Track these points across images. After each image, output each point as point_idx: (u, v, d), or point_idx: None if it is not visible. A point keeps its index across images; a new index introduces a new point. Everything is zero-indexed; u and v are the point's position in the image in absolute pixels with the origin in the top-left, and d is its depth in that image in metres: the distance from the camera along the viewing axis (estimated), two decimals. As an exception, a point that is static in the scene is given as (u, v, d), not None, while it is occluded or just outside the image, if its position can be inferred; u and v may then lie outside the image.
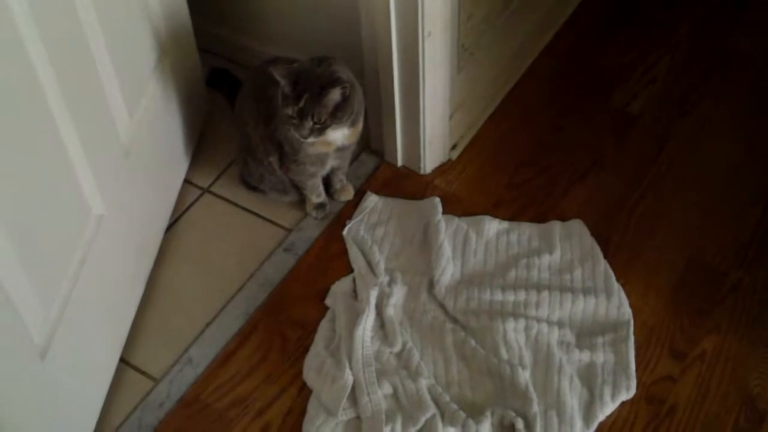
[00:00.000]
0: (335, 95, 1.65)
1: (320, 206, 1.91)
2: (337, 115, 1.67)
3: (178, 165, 1.98)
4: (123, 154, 1.66)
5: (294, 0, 2.00)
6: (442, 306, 1.73)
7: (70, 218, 1.50)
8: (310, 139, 1.68)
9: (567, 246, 1.83)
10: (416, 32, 1.75)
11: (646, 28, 2.33)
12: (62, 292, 1.46)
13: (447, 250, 1.80)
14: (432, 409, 1.56)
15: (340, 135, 1.73)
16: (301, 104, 1.64)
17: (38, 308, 1.39)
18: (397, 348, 1.66)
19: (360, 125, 1.78)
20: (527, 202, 1.94)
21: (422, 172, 2.00)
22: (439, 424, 1.54)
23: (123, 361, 1.69)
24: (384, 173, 2.01)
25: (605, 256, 1.81)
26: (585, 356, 1.64)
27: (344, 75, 1.68)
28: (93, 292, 1.54)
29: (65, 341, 1.45)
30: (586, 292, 1.74)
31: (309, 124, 1.65)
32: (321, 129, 1.67)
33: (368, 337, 1.67)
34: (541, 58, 2.25)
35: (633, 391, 1.61)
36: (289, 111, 1.66)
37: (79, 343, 1.51)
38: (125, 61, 1.66)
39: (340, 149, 1.79)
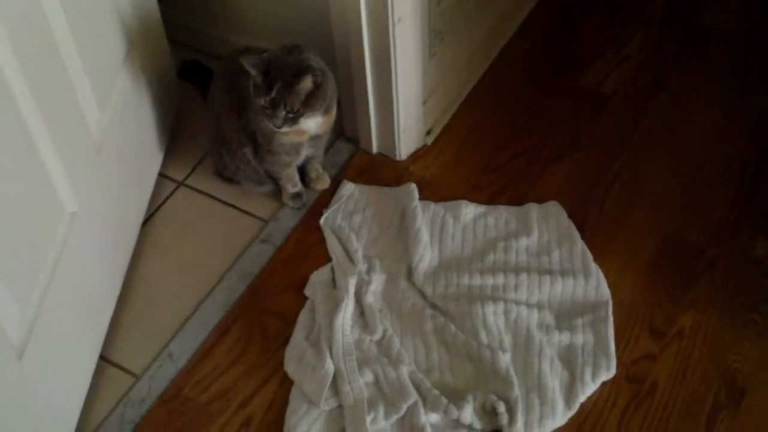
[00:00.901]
0: (307, 83, 1.64)
1: (296, 196, 1.91)
2: (309, 103, 1.66)
3: (152, 158, 1.97)
4: (95, 149, 1.65)
5: (264, -11, 1.99)
6: (421, 292, 1.73)
7: (43, 217, 1.48)
8: (284, 129, 1.67)
9: (544, 228, 1.83)
10: (386, 18, 1.74)
11: (618, 5, 2.33)
12: (38, 291, 1.45)
13: (424, 236, 1.80)
14: (414, 396, 1.56)
15: (313, 123, 1.72)
16: (273, 94, 1.63)
17: (13, 308, 1.37)
18: (378, 336, 1.66)
19: (333, 113, 1.77)
20: (504, 185, 1.94)
21: (398, 158, 2.00)
22: (422, 411, 1.54)
23: (102, 358, 1.68)
24: (359, 161, 2.01)
25: (582, 237, 1.81)
26: (565, 338, 1.65)
27: (315, 62, 1.67)
28: (69, 290, 1.53)
29: (42, 341, 1.43)
30: (564, 273, 1.74)
31: (282, 113, 1.64)
32: (294, 118, 1.66)
33: (348, 326, 1.66)
34: (513, 41, 2.25)
35: (613, 371, 1.61)
36: (262, 101, 1.65)
37: (56, 341, 1.50)
38: (93, 54, 1.64)
39: (314, 138, 1.79)
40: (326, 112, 1.73)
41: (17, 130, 1.38)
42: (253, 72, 1.64)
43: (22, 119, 1.39)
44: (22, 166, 1.41)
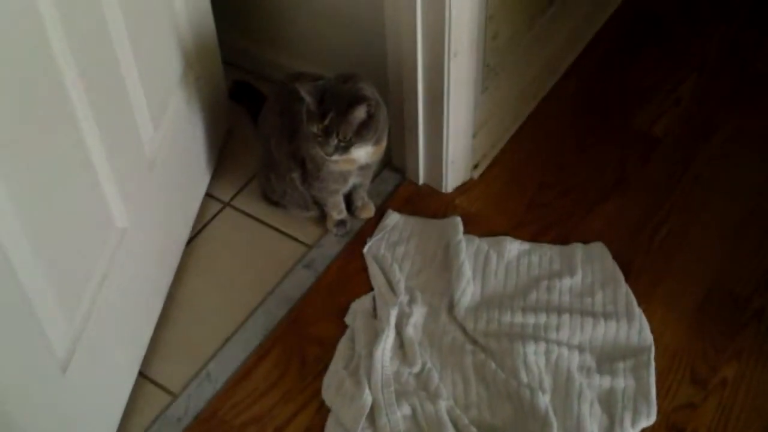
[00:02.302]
0: (360, 113, 1.64)
1: (341, 223, 1.91)
2: (361, 133, 1.67)
3: (200, 178, 1.98)
4: (147, 167, 1.67)
5: (320, 15, 2.00)
6: (462, 327, 1.73)
7: (94, 231, 1.50)
8: (335, 157, 1.68)
9: (588, 269, 1.82)
10: (442, 52, 1.74)
11: (671, 48, 2.32)
12: (85, 306, 1.46)
13: (467, 270, 1.79)
14: (451, 432, 1.55)
15: (363, 153, 1.72)
16: (327, 122, 1.63)
17: (61, 321, 1.39)
18: (417, 369, 1.66)
19: (384, 143, 1.77)
20: (548, 223, 1.94)
21: (444, 190, 2.00)
22: (458, 447, 1.53)
23: (142, 374, 1.69)
24: (405, 191, 2.01)
25: (626, 280, 1.80)
26: (605, 381, 1.63)
27: (370, 93, 1.68)
28: (114, 306, 1.55)
29: (86, 354, 1.45)
30: (607, 316, 1.73)
31: (334, 141, 1.65)
32: (346, 147, 1.67)
33: (387, 358, 1.66)
34: (564, 78, 2.25)
35: (653, 418, 1.59)
36: (314, 128, 1.65)
37: (99, 356, 1.51)
38: (152, 74, 1.66)
39: (363, 167, 1.79)
40: (377, 142, 1.73)
41: (76, 147, 1.41)
42: (308, 98, 1.65)
43: (81, 136, 1.41)
44: (79, 181, 1.43)
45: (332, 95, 1.64)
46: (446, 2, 1.67)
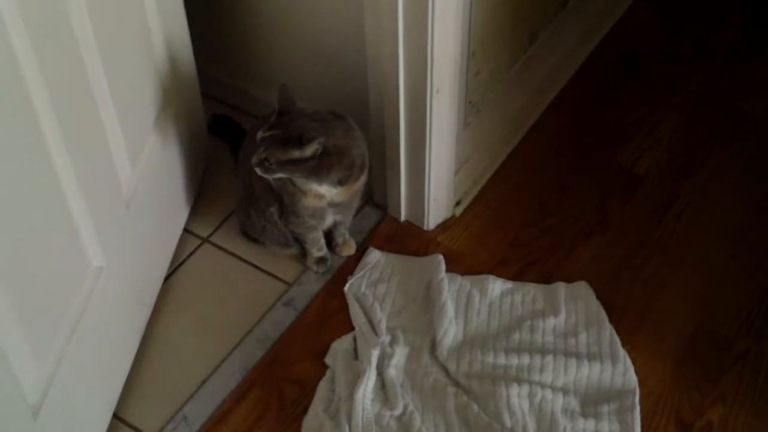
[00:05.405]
0: (292, 150, 1.59)
1: (321, 260, 1.88)
2: (288, 168, 1.62)
3: (178, 214, 1.95)
4: (124, 205, 1.63)
5: (302, 50, 1.99)
6: (444, 368, 1.70)
7: (69, 271, 1.46)
8: (257, 170, 1.63)
9: (572, 309, 1.80)
10: (425, 89, 1.73)
11: (653, 85, 2.32)
12: (57, 348, 1.42)
13: (450, 309, 1.77)
14: (433, 478, 1.52)
15: (326, 190, 1.69)
16: (265, 135, 1.61)
17: (33, 365, 1.35)
18: (398, 411, 1.62)
19: (355, 185, 1.72)
20: (531, 261, 1.92)
21: (426, 227, 1.97)
22: (440, 494, 1.50)
23: (116, 416, 1.64)
24: (387, 228, 1.98)
25: (610, 320, 1.78)
26: (590, 425, 1.60)
27: (327, 141, 1.60)
28: (89, 347, 1.51)
29: (59, 399, 1.40)
30: (591, 357, 1.71)
31: (262, 155, 1.61)
32: (266, 169, 1.62)
33: (369, 400, 1.63)
34: (546, 115, 2.24)
35: (638, 464, 1.57)
36: (259, 133, 1.63)
37: (72, 400, 1.47)
38: (129, 109, 1.63)
39: (336, 205, 1.76)
40: (341, 184, 1.69)
41: (51, 186, 1.37)
42: (279, 103, 1.63)
43: (55, 175, 1.37)
44: (53, 221, 1.39)
45: (293, 120, 1.62)
46: (429, 38, 1.65)
